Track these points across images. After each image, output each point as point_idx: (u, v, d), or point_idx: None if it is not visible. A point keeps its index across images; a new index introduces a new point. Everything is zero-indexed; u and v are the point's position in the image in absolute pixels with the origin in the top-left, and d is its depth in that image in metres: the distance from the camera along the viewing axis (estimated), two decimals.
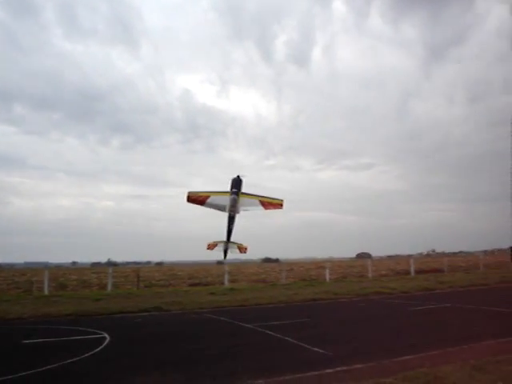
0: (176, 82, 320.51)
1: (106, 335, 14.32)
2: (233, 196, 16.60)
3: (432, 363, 9.58)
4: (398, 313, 19.52)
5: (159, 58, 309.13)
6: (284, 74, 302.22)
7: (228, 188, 16.89)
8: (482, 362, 9.31)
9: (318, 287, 31.07)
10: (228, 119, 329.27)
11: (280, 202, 17.19)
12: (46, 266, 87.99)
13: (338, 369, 9.54)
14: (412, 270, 43.85)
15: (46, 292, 28.85)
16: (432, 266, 54.41)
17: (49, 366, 10.31)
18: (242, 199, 16.88)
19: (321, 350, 11.50)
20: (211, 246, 17.51)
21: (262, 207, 17.18)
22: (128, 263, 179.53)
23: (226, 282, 34.83)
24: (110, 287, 31.42)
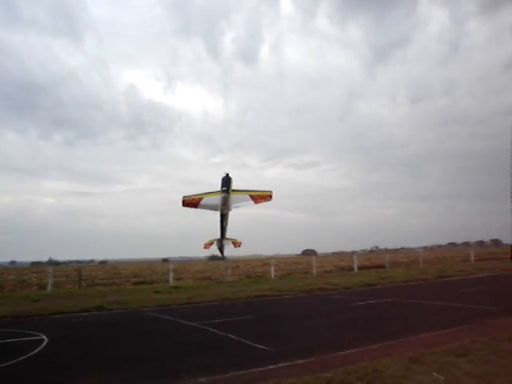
0: (121, 77, 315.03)
1: (44, 337, 13.83)
2: (223, 194, 16.74)
3: (371, 357, 9.80)
4: (340, 308, 19.85)
5: (104, 51, 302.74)
6: (231, 72, 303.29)
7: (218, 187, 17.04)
8: (418, 354, 9.61)
9: (263, 284, 31.27)
10: (174, 116, 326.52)
11: (269, 194, 17.24)
12: None
13: (281, 365, 9.60)
14: (355, 266, 44.80)
15: None
16: (375, 262, 55.88)
17: None
18: (232, 196, 16.98)
19: (264, 347, 11.54)
20: (208, 245, 17.57)
21: (252, 202, 17.29)
22: (70, 262, 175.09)
23: (171, 280, 34.50)
24: (50, 287, 30.49)
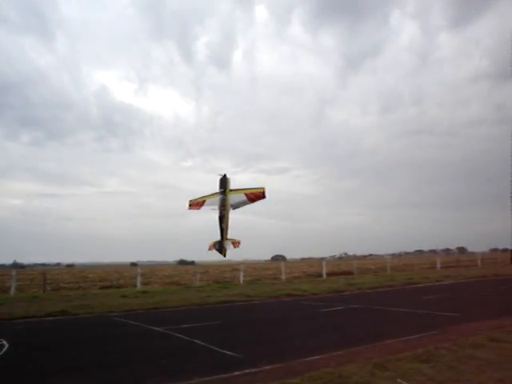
0: (93, 78, 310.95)
1: (5, 342, 13.46)
2: (220, 196, 16.91)
3: (337, 363, 9.84)
4: (307, 314, 19.90)
5: (75, 51, 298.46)
6: (204, 76, 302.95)
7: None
8: (383, 360, 9.69)
9: (232, 289, 31.17)
10: (146, 118, 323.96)
11: (262, 191, 17.23)
12: None
13: (247, 371, 9.54)
14: (324, 272, 45.08)
15: None
16: (343, 268, 56.34)
17: None
18: (231, 197, 17.07)
19: (230, 353, 11.47)
20: (211, 247, 17.74)
21: (248, 201, 17.36)
22: (36, 265, 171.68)
23: (139, 285, 34.13)
24: (13, 291, 29.80)
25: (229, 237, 18.33)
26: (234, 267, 61.43)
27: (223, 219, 17.27)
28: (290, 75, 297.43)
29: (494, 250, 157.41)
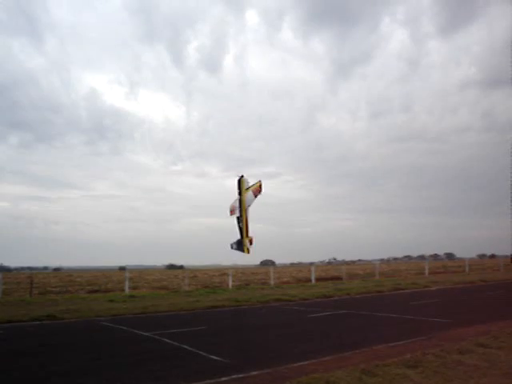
0: (82, 81, 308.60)
1: None
2: (237, 197, 17.41)
3: (325, 368, 9.83)
4: (296, 319, 19.89)
5: (65, 54, 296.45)
6: (194, 80, 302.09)
7: None
8: (371, 365, 9.69)
9: (220, 294, 31.09)
10: (136, 122, 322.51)
11: (259, 184, 17.98)
12: None
13: (234, 376, 9.50)
14: (313, 277, 45.08)
15: None
16: (332, 273, 56.44)
17: None
18: (246, 196, 17.57)
19: (218, 358, 11.43)
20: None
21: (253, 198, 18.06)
22: (23, 269, 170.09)
23: (127, 289, 33.90)
24: None
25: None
26: (222, 272, 61.31)
27: (239, 219, 17.78)
28: (281, 80, 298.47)
29: (482, 256, 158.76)
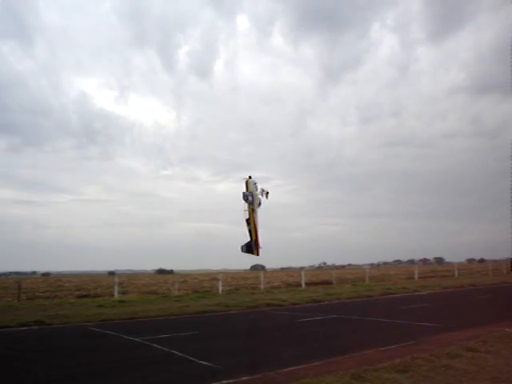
0: (72, 84, 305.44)
1: None
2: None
3: (315, 373, 9.83)
4: (286, 324, 19.87)
5: (55, 57, 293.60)
6: (185, 84, 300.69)
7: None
8: (361, 370, 9.69)
9: (210, 299, 30.99)
10: (126, 126, 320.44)
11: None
12: None
13: (224, 382, 9.47)
14: (303, 282, 45.09)
15: None
16: (322, 278, 56.39)
17: None
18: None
19: (208, 363, 11.38)
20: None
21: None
22: (10, 273, 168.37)
23: (116, 294, 33.70)
24: None
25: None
26: (212, 276, 61.16)
27: (247, 221, 17.82)
28: (271, 85, 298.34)
29: (471, 261, 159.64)
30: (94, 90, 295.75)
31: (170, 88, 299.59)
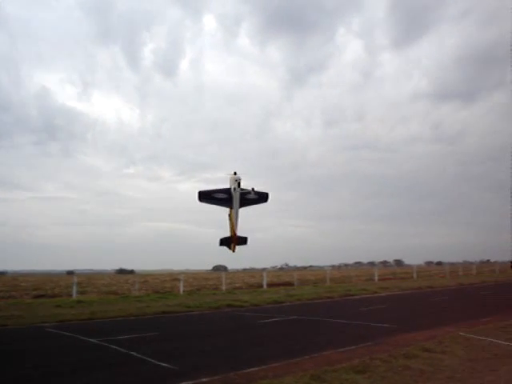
0: (33, 79, 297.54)
1: None
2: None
3: (275, 374, 9.85)
4: (247, 325, 19.87)
5: (16, 50, 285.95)
6: (150, 82, 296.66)
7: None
8: (320, 371, 9.76)
9: (171, 300, 30.70)
10: (88, 123, 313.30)
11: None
12: None
13: (183, 383, 9.38)
14: (264, 283, 45.18)
15: None
16: (284, 279, 56.62)
17: None
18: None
19: (167, 365, 11.25)
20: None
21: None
22: None
23: (74, 294, 33.00)
24: None
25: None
26: (174, 277, 60.60)
27: (230, 217, 17.78)
28: (237, 86, 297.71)
29: (429, 263, 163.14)
30: (55, 85, 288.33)
31: (135, 86, 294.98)
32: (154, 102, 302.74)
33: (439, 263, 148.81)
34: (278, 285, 48.56)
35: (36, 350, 14.25)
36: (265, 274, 47.80)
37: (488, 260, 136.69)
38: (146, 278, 63.69)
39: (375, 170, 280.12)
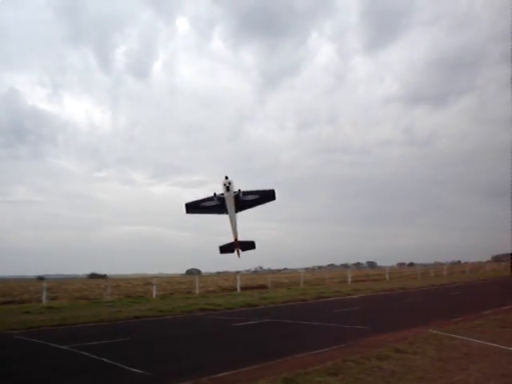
0: (2, 80, 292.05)
1: None
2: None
3: (248, 378, 9.81)
4: (220, 329, 19.78)
5: None
6: (122, 85, 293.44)
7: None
8: (293, 374, 9.75)
9: (144, 304, 30.38)
10: (59, 126, 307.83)
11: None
12: None
13: None
14: (238, 286, 45.12)
15: None
16: (257, 282, 56.62)
17: None
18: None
19: (139, 371, 11.09)
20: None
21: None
22: None
23: (44, 300, 32.40)
24: None
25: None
26: (147, 281, 60.05)
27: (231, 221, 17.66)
28: (210, 89, 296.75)
29: (401, 265, 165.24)
30: (25, 86, 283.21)
31: (106, 88, 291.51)
32: (127, 104, 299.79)
33: (411, 264, 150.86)
34: (252, 288, 48.54)
35: (3, 358, 13.88)
36: (238, 278, 47.75)
37: (459, 261, 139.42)
38: (118, 282, 62.93)
39: (348, 172, 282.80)
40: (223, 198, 17.36)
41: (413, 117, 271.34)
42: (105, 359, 12.59)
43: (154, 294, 37.85)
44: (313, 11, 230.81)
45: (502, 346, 12.83)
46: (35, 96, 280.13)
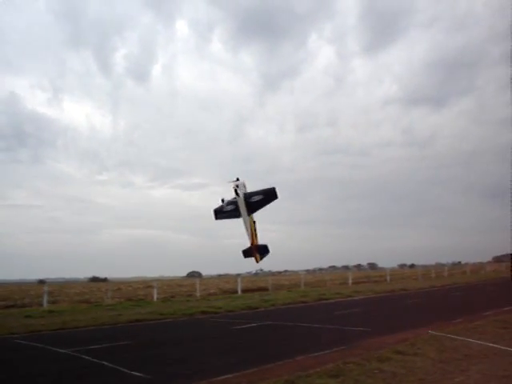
0: (2, 85, 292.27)
1: None
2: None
3: (248, 381, 9.81)
4: (221, 332, 19.77)
5: None
6: (122, 88, 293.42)
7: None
8: (294, 377, 9.75)
9: (145, 307, 30.39)
10: (59, 129, 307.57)
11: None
12: None
13: None
14: (239, 288, 45.06)
15: None
16: (258, 284, 56.55)
17: None
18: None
19: (140, 374, 11.09)
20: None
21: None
22: None
23: (45, 303, 32.38)
24: None
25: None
26: (147, 284, 60.02)
27: (245, 225, 17.45)
28: (209, 91, 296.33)
29: (402, 266, 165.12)
30: (25, 90, 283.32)
31: (107, 91, 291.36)
32: (127, 108, 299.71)
33: (412, 266, 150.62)
34: (253, 290, 48.44)
35: (3, 362, 13.89)
36: (239, 280, 47.68)
37: (459, 262, 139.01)
38: (119, 285, 62.87)
39: (349, 174, 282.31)
40: (236, 202, 17.20)
41: (412, 118, 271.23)
42: (105, 363, 12.59)
43: (155, 297, 37.83)
44: (312, 13, 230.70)
45: (502, 347, 12.82)
46: (35, 100, 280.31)
